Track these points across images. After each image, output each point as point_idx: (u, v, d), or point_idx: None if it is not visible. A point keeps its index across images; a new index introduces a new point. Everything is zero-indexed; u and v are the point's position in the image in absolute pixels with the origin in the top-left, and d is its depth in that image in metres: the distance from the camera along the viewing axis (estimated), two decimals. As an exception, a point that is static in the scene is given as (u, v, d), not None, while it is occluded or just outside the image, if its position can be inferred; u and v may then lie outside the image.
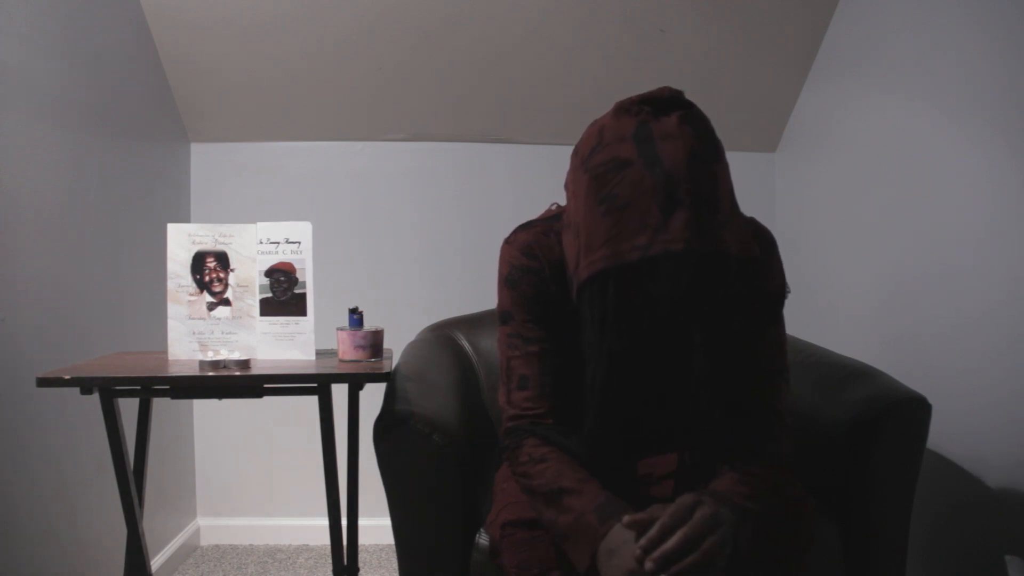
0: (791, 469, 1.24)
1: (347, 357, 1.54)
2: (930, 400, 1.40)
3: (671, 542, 0.98)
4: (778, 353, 1.24)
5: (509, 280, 1.23)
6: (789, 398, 1.25)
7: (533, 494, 1.16)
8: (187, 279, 1.60)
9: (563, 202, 1.31)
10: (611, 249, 1.03)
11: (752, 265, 1.12)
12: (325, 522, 1.55)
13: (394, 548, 1.44)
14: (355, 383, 1.53)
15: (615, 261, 1.03)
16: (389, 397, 1.42)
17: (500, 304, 1.26)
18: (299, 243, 1.59)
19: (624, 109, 1.08)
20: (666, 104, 1.05)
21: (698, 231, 1.00)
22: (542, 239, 1.23)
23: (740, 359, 1.20)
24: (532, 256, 1.22)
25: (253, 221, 1.62)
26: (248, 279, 1.61)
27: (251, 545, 2.54)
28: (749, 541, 1.07)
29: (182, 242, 1.60)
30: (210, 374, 1.43)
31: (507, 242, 1.26)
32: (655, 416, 1.25)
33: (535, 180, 2.51)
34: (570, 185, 1.15)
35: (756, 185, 2.57)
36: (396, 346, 1.75)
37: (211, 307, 1.60)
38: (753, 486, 1.11)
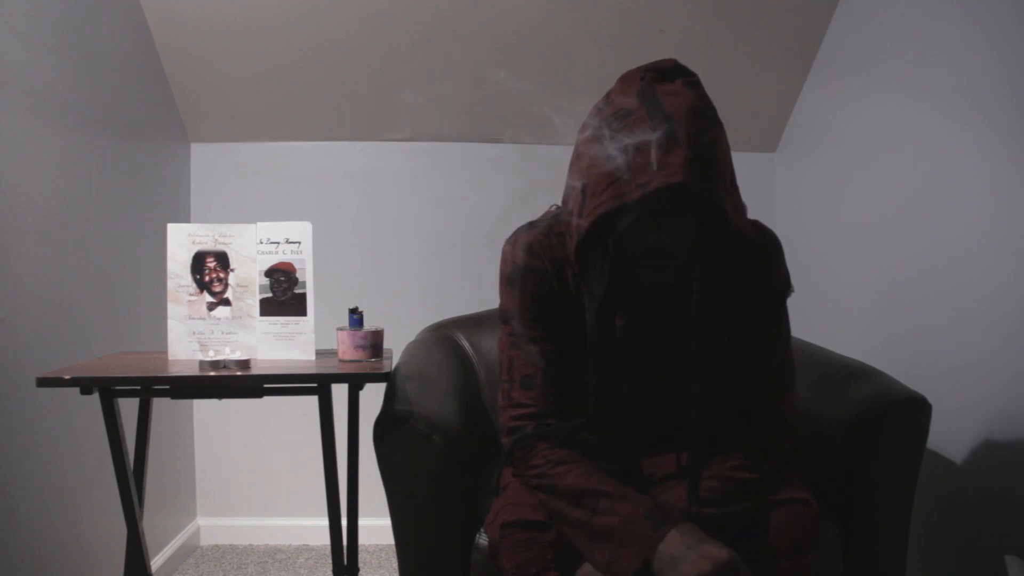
0: (794, 469, 1.24)
1: (347, 357, 1.54)
2: (930, 400, 1.40)
3: None
4: (783, 353, 1.24)
5: (511, 279, 1.24)
6: (795, 398, 1.25)
7: (554, 494, 1.16)
8: (187, 279, 1.60)
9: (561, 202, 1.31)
10: (615, 191, 1.05)
11: (749, 247, 1.14)
12: (325, 522, 1.55)
13: (394, 548, 1.44)
14: (355, 383, 1.53)
15: (618, 202, 1.05)
16: (389, 397, 1.42)
17: (502, 304, 1.26)
18: (299, 243, 1.59)
19: (630, 76, 1.12)
20: (670, 72, 1.10)
21: (696, 171, 1.03)
22: (544, 239, 1.23)
23: (744, 358, 1.20)
24: (534, 256, 1.23)
25: (253, 221, 1.62)
26: (248, 279, 1.61)
27: (251, 545, 2.54)
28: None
29: (182, 242, 1.60)
30: (210, 374, 1.43)
31: (509, 242, 1.27)
32: (657, 415, 1.25)
33: (535, 180, 2.51)
34: (573, 160, 1.17)
35: (756, 185, 2.57)
36: (396, 346, 1.75)
37: (211, 307, 1.60)
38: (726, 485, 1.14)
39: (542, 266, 1.22)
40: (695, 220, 1.10)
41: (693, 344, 1.14)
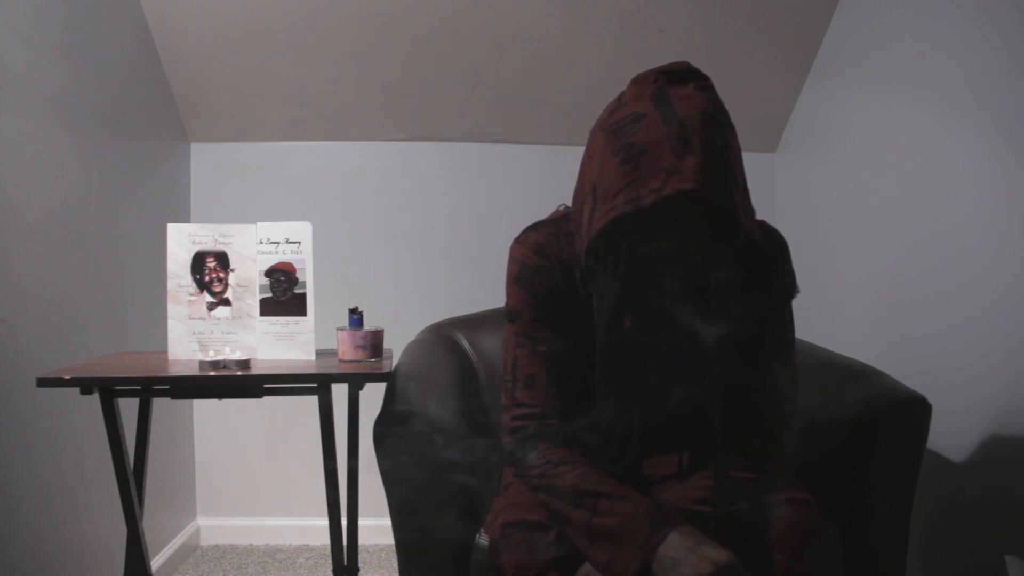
0: (794, 469, 1.24)
1: (347, 357, 1.54)
2: (930, 400, 1.40)
3: None
4: (786, 354, 1.24)
5: (519, 279, 1.24)
6: (797, 398, 1.25)
7: (554, 495, 1.16)
8: (187, 279, 1.60)
9: (569, 202, 1.32)
10: (628, 195, 1.05)
11: (757, 250, 1.15)
12: (325, 522, 1.56)
13: (394, 548, 1.44)
14: (355, 383, 1.53)
15: (632, 206, 1.04)
16: (389, 397, 1.42)
17: (508, 303, 1.26)
18: (299, 243, 1.59)
19: (642, 79, 1.11)
20: (682, 75, 1.10)
21: (709, 176, 1.03)
22: (552, 239, 1.23)
23: (746, 358, 1.20)
24: (543, 255, 1.23)
25: (253, 221, 1.62)
26: (248, 279, 1.61)
27: (251, 545, 2.54)
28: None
29: (182, 242, 1.60)
30: (210, 374, 1.43)
31: (517, 241, 1.27)
32: (662, 416, 1.25)
33: (535, 180, 2.51)
34: (585, 161, 1.17)
35: (756, 185, 2.53)
36: (396, 346, 1.75)
37: (211, 307, 1.60)
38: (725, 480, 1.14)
39: (550, 266, 1.22)
40: (707, 225, 1.10)
41: (705, 346, 1.14)
